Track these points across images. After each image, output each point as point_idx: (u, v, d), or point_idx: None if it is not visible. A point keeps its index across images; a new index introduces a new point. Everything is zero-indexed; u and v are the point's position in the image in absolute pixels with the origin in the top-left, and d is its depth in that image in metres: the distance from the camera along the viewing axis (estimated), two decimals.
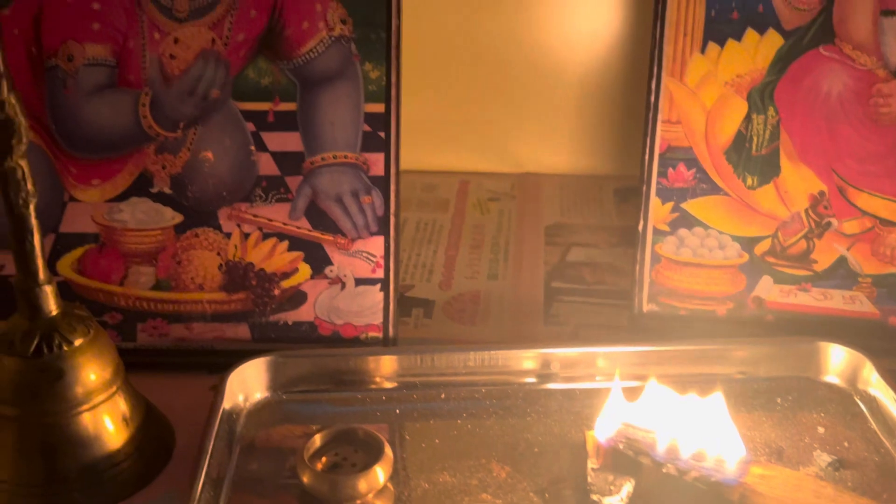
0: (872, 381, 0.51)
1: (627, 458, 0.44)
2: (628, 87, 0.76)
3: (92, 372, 0.45)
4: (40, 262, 0.44)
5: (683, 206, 0.58)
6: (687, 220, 0.58)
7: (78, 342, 0.45)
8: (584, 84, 0.77)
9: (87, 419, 0.45)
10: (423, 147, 0.79)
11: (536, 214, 0.73)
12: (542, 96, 0.78)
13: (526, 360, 0.52)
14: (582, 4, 0.75)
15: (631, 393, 0.47)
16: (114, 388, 0.46)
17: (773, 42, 0.56)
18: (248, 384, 0.51)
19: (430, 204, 0.74)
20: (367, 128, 0.55)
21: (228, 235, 0.55)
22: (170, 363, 0.55)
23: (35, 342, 0.44)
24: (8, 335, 0.44)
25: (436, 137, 0.80)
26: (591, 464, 0.45)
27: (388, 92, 0.54)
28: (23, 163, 0.42)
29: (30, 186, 0.42)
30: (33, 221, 0.43)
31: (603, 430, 0.45)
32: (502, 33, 0.76)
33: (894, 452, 0.47)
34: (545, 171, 0.79)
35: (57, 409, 0.44)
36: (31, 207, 0.43)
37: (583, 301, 0.62)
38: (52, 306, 0.44)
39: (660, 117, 0.57)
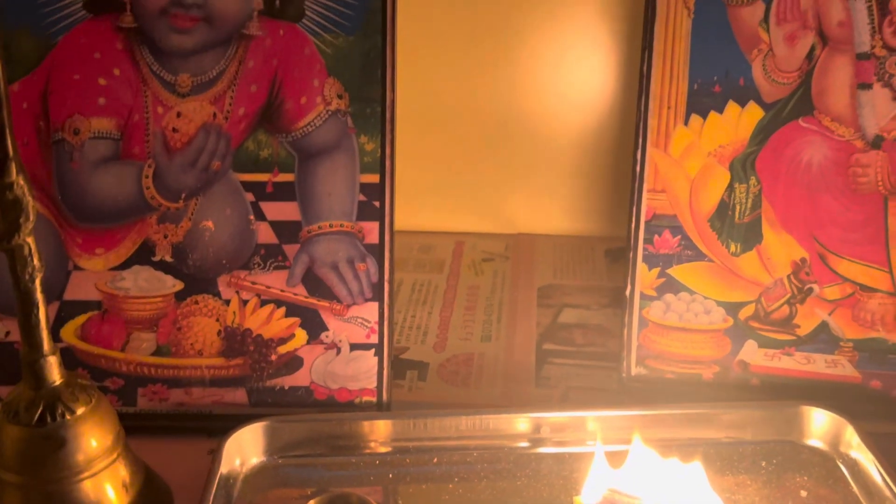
0: (854, 444, 0.52)
1: None
2: (619, 152, 0.78)
3: (93, 439, 0.46)
4: (45, 335, 0.45)
5: (669, 271, 0.59)
6: (673, 286, 0.59)
7: (80, 411, 0.46)
8: (576, 148, 0.79)
9: (88, 486, 0.46)
10: (419, 208, 0.81)
11: (529, 275, 0.74)
12: (535, 159, 0.80)
13: (516, 424, 0.54)
14: (574, 72, 0.77)
15: (618, 457, 0.48)
16: (114, 455, 0.47)
17: (753, 114, 0.58)
18: (244, 449, 0.53)
19: (426, 265, 0.76)
20: (362, 197, 0.57)
21: (227, 302, 0.57)
22: (169, 427, 0.57)
23: (39, 411, 0.45)
24: (13, 404, 0.46)
25: (432, 198, 0.82)
26: None
27: (382, 163, 0.56)
28: (30, 240, 0.43)
29: (36, 262, 0.44)
30: (39, 295, 0.44)
31: (589, 496, 0.46)
32: (497, 99, 0.79)
33: None
34: (539, 231, 0.81)
35: (59, 476, 0.46)
36: (38, 282, 0.44)
37: (573, 363, 0.63)
38: (55, 376, 0.46)
39: (645, 186, 0.59)
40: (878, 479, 0.50)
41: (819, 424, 0.54)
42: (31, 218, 0.43)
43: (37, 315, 0.45)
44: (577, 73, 0.78)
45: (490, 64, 0.78)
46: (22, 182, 0.42)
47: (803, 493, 0.50)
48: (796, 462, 0.53)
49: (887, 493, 0.49)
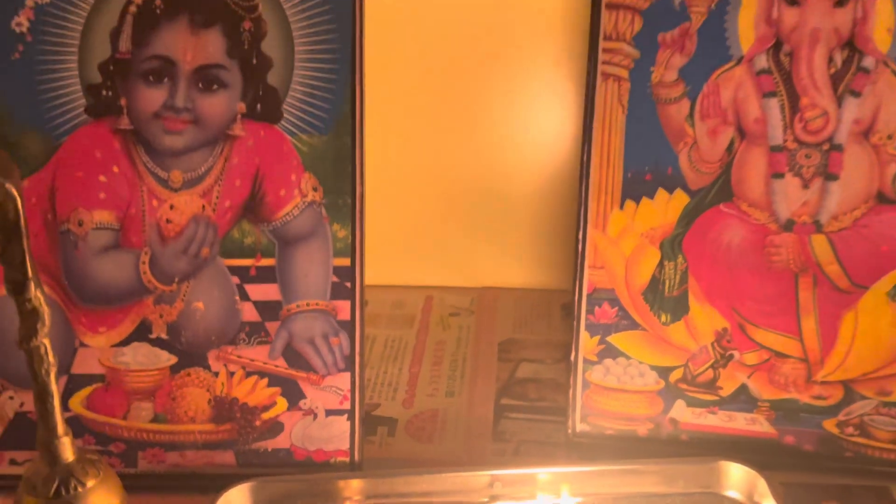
0: (766, 495, 0.59)
1: None
2: (574, 210, 0.85)
3: None
4: (59, 419, 0.52)
5: (608, 339, 0.67)
6: (612, 352, 0.67)
7: (90, 483, 0.53)
8: (535, 206, 0.87)
9: None
10: (391, 263, 0.89)
11: (491, 330, 0.82)
12: (497, 217, 0.87)
13: (472, 481, 0.61)
14: (532, 139, 0.85)
15: None
16: None
17: (680, 200, 0.65)
18: None
19: (397, 320, 0.83)
20: (335, 279, 0.64)
21: (216, 374, 0.64)
22: (166, 486, 0.63)
23: (54, 486, 0.52)
24: (31, 480, 0.53)
25: (403, 254, 0.89)
26: None
27: (353, 248, 0.64)
28: (45, 341, 0.50)
29: (51, 359, 0.51)
30: (53, 387, 0.51)
31: None
32: (462, 163, 0.86)
33: None
34: (501, 285, 0.88)
35: None
36: (52, 375, 0.51)
37: (526, 418, 0.71)
38: (68, 454, 0.53)
39: (587, 263, 0.66)
40: None
41: (737, 477, 0.61)
42: (47, 323, 0.50)
43: (52, 403, 0.52)
44: (535, 139, 0.85)
45: (455, 133, 0.85)
46: (39, 295, 0.49)
47: None
48: None
49: None
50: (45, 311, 0.50)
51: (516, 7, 0.80)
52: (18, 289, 0.48)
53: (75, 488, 0.53)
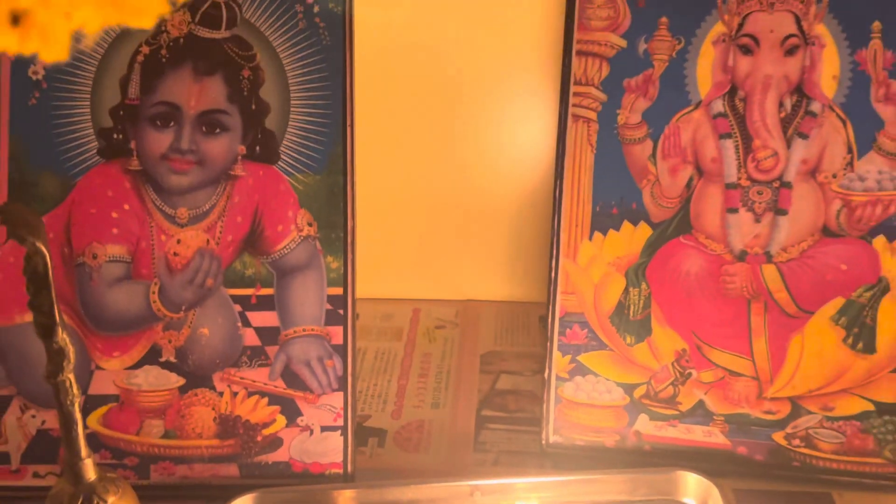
0: (718, 502, 0.66)
1: None
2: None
3: None
4: (82, 443, 0.58)
5: (579, 358, 0.72)
6: (582, 370, 0.72)
7: (111, 500, 0.59)
8: (515, 222, 0.92)
9: None
10: (382, 277, 0.94)
11: (474, 342, 0.88)
12: (480, 233, 0.93)
13: (454, 491, 0.67)
14: (512, 159, 0.90)
15: None
16: None
17: (644, 232, 0.71)
18: None
19: (387, 333, 0.89)
20: (329, 306, 0.69)
21: (221, 394, 0.70)
22: (176, 496, 0.69)
23: (79, 503, 0.58)
24: (58, 497, 0.59)
25: (392, 268, 0.95)
26: None
27: (345, 278, 0.69)
28: (70, 376, 0.56)
29: (75, 391, 0.57)
30: (77, 416, 0.57)
31: None
32: (447, 183, 0.91)
33: None
34: (484, 297, 0.94)
35: None
36: (76, 405, 0.57)
37: (505, 428, 0.77)
38: (91, 474, 0.59)
39: (559, 289, 0.72)
40: None
41: (693, 486, 0.67)
42: (71, 360, 0.56)
43: (76, 430, 0.58)
44: (513, 165, 0.91)
45: (441, 158, 0.90)
46: (65, 336, 0.55)
47: None
48: None
49: None
50: (71, 350, 0.56)
51: (494, 47, 0.86)
52: (47, 332, 0.54)
53: None
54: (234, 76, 0.68)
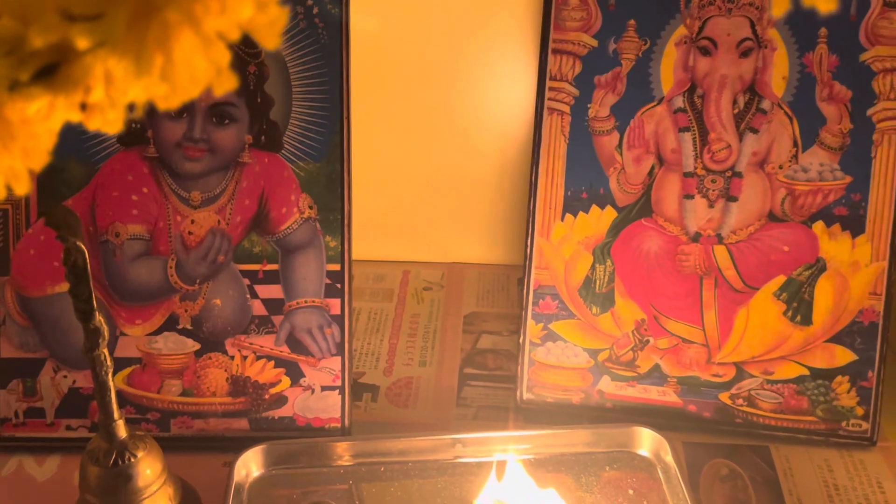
0: (667, 455, 0.75)
1: None
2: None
3: (149, 470, 0.68)
4: (115, 407, 0.67)
5: (550, 326, 0.81)
6: (552, 336, 0.81)
7: (140, 454, 0.68)
8: (496, 189, 0.99)
9: (147, 503, 0.69)
10: (374, 240, 1.02)
11: (458, 303, 0.96)
12: (464, 200, 1.00)
13: (438, 443, 0.76)
14: (493, 134, 0.98)
15: (503, 467, 0.71)
16: (163, 479, 0.70)
17: (610, 215, 0.79)
18: (249, 464, 0.74)
19: (379, 294, 0.98)
20: (328, 281, 0.78)
21: (232, 358, 0.78)
22: (194, 447, 0.78)
23: (113, 458, 0.67)
24: (94, 452, 0.67)
25: (384, 232, 1.02)
26: None
27: (342, 256, 0.77)
28: (105, 350, 0.65)
29: (109, 363, 0.65)
30: (111, 384, 0.66)
31: (481, 502, 0.69)
32: (434, 155, 0.99)
33: None
34: (467, 260, 1.03)
35: (128, 499, 0.67)
36: (110, 375, 0.66)
37: (484, 385, 0.86)
38: (122, 433, 0.68)
39: (534, 264, 0.81)
40: (679, 477, 0.73)
41: (647, 439, 0.76)
42: (106, 338, 0.64)
43: (109, 396, 0.66)
44: (498, 138, 0.98)
45: (430, 133, 0.97)
46: (100, 318, 0.63)
47: (630, 492, 0.74)
48: (630, 467, 0.76)
49: (681, 486, 0.72)
50: (105, 329, 0.64)
51: (481, 41, 0.92)
52: (86, 317, 0.62)
53: (129, 459, 0.68)
54: (241, 71, 0.74)
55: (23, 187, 0.37)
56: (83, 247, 0.60)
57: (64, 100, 0.35)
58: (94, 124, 0.39)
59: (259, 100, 0.75)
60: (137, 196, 0.76)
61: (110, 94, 0.37)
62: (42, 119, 0.36)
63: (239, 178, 0.76)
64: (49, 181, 0.76)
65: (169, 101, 0.37)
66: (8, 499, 0.75)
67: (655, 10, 0.76)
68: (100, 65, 0.33)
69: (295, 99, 0.75)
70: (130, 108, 0.39)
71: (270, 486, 0.74)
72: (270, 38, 0.34)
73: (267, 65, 0.75)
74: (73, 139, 0.75)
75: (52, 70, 0.35)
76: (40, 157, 0.37)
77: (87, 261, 0.61)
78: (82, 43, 0.33)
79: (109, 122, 0.38)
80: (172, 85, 0.36)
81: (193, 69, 0.34)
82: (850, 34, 0.74)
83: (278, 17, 0.35)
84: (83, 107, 0.38)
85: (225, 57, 0.34)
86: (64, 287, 0.71)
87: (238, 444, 0.75)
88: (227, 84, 0.35)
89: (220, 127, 0.75)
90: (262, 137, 0.76)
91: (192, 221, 0.76)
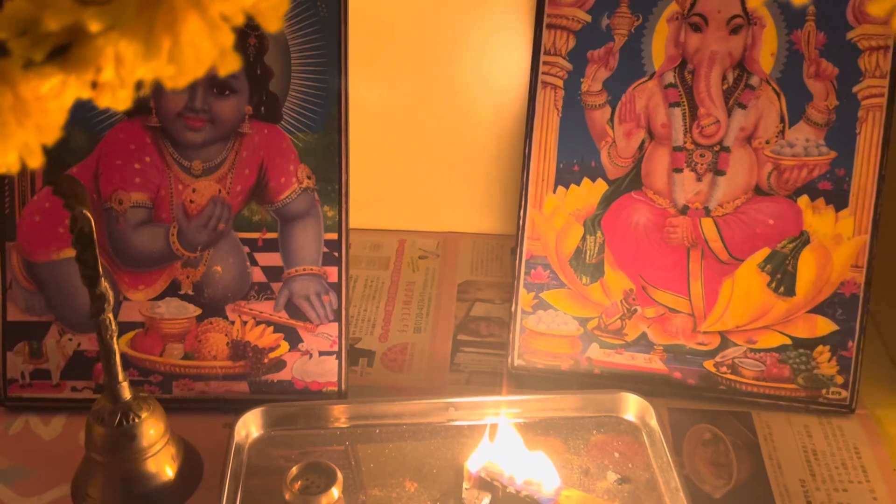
0: (652, 419, 0.78)
1: (487, 482, 0.71)
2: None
3: (152, 430, 0.71)
4: (119, 370, 0.69)
5: (542, 295, 0.83)
6: (544, 305, 0.83)
7: (143, 415, 0.70)
8: (491, 160, 1.01)
9: (151, 462, 0.71)
10: (371, 209, 1.04)
11: (453, 272, 0.98)
12: (460, 170, 1.02)
13: (432, 407, 0.79)
14: (488, 105, 0.99)
15: (497, 429, 0.74)
16: (165, 440, 0.72)
17: (600, 187, 0.81)
18: (249, 425, 0.77)
19: (375, 262, 1.00)
20: (325, 249, 0.80)
21: (233, 323, 0.80)
22: (195, 409, 0.80)
23: (117, 418, 0.69)
24: (100, 413, 0.70)
25: (381, 201, 1.04)
26: (465, 485, 0.72)
27: (339, 225, 0.79)
28: (110, 315, 0.67)
29: (114, 327, 0.68)
30: (115, 347, 0.68)
31: (473, 463, 0.72)
32: (431, 126, 1.00)
33: (657, 472, 0.75)
34: (462, 230, 1.05)
35: (132, 457, 0.70)
36: (114, 338, 0.68)
37: (477, 351, 0.88)
38: (126, 395, 0.70)
39: (526, 235, 0.83)
40: (663, 441, 0.76)
41: (633, 404, 0.78)
42: (111, 303, 0.67)
43: (114, 359, 0.69)
44: (493, 108, 1.00)
45: (427, 103, 0.99)
46: (106, 284, 0.66)
47: (616, 455, 0.76)
48: (616, 431, 0.78)
49: (665, 450, 0.75)
50: (110, 294, 0.67)
51: (478, 14, 0.94)
52: (92, 282, 0.65)
53: (132, 419, 0.70)
54: (240, 43, 0.76)
55: (36, 161, 0.39)
56: (90, 215, 0.62)
57: (76, 79, 0.37)
58: (104, 102, 0.40)
59: (259, 71, 0.77)
60: (140, 165, 0.78)
61: (120, 74, 0.38)
62: (55, 96, 0.38)
63: (239, 149, 0.78)
64: (54, 150, 0.77)
65: (175, 80, 0.39)
66: (15, 456, 0.77)
67: None
68: (110, 47, 0.35)
69: (294, 71, 0.77)
70: (138, 86, 0.41)
71: (269, 446, 0.77)
72: (273, 21, 0.36)
73: (266, 37, 0.76)
74: (77, 108, 0.77)
75: (65, 50, 0.37)
76: (52, 133, 0.39)
77: (94, 228, 0.63)
78: (94, 26, 0.34)
79: (119, 100, 0.40)
80: (179, 66, 0.38)
81: (199, 51, 0.36)
82: (837, 12, 0.75)
83: (281, 1, 0.37)
84: (94, 85, 0.40)
85: (229, 39, 0.36)
86: (69, 253, 0.74)
87: (238, 407, 0.77)
88: (230, 65, 0.37)
89: (221, 98, 0.77)
90: (262, 108, 0.77)
91: (194, 190, 0.78)
